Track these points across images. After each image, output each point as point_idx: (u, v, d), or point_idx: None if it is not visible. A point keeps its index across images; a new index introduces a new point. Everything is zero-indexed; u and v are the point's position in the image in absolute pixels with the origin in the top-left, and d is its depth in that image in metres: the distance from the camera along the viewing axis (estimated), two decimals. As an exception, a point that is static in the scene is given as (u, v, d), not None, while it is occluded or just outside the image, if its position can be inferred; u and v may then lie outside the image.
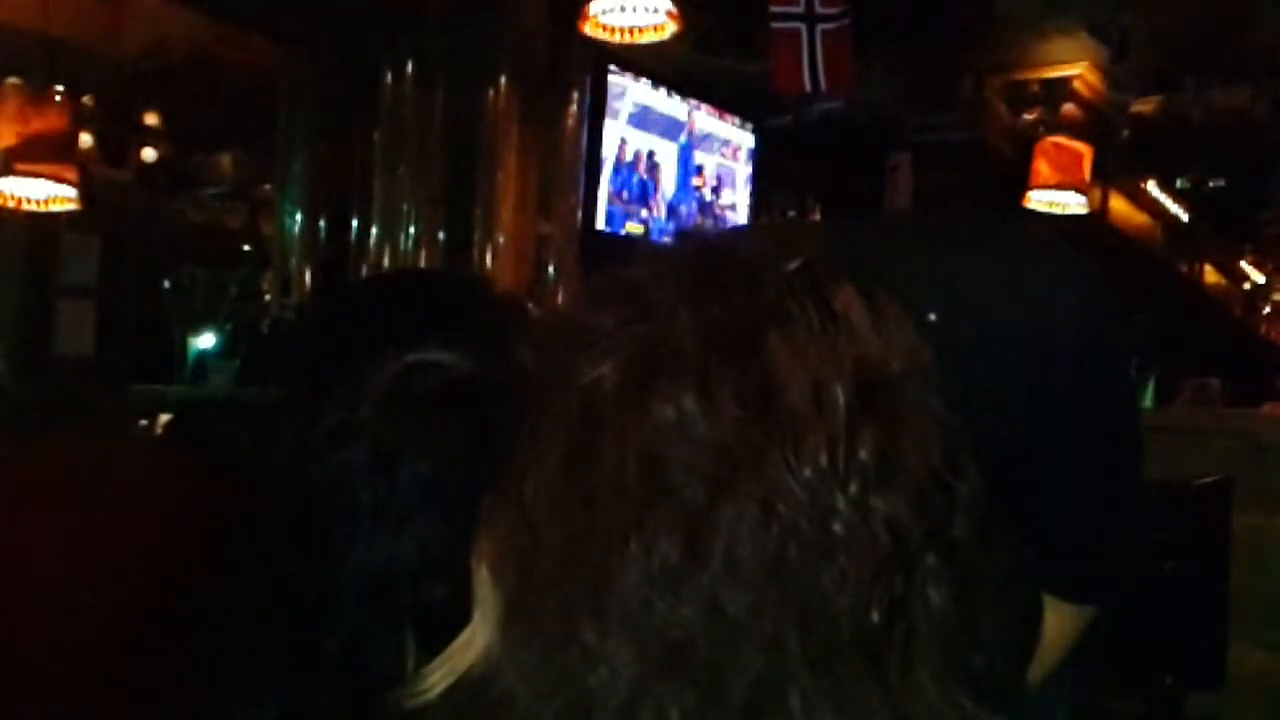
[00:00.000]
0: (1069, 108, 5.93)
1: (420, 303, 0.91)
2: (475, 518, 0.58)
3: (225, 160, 6.92)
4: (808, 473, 0.53)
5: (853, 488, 0.54)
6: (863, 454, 0.55)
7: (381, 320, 0.88)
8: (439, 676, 0.56)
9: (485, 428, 0.59)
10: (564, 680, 0.52)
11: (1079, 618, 1.37)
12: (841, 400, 0.55)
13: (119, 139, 5.44)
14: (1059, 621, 1.34)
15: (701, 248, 0.65)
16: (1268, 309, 11.41)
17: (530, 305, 4.64)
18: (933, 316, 0.98)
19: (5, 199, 4.36)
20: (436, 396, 0.62)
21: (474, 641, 0.56)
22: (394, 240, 4.61)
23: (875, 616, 0.53)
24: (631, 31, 3.89)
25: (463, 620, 0.57)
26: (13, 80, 4.22)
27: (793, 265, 0.60)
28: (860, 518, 0.54)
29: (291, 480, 0.67)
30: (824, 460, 0.54)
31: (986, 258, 1.29)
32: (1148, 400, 5.28)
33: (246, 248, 6.89)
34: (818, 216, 6.35)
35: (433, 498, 0.61)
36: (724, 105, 5.33)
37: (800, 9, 4.30)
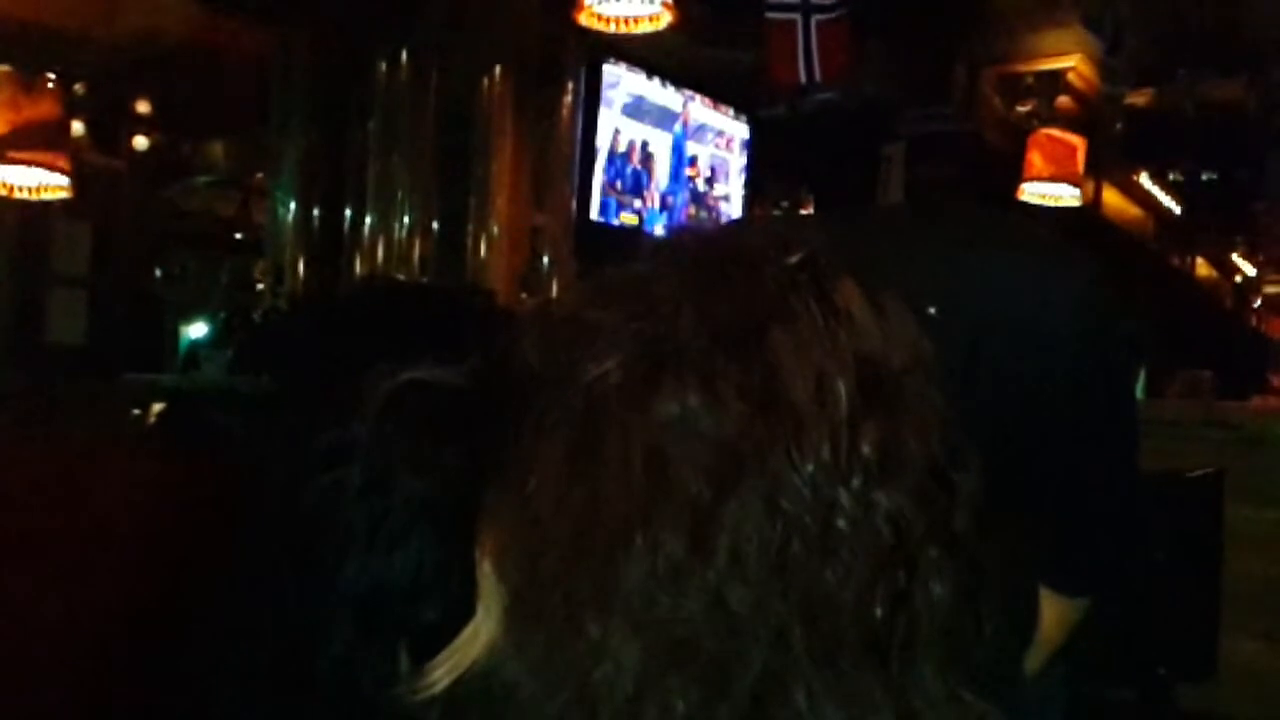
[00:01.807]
0: (1063, 100, 5.94)
1: (415, 317, 0.90)
2: (471, 536, 0.58)
3: (218, 148, 6.90)
4: (811, 468, 0.54)
5: (855, 482, 0.54)
6: (865, 448, 0.55)
7: (375, 336, 0.87)
8: (443, 671, 0.56)
9: (481, 445, 0.59)
10: (569, 674, 0.52)
11: (1074, 610, 1.38)
12: (844, 395, 0.55)
13: (111, 127, 5.42)
14: (1055, 613, 1.35)
15: (703, 242, 0.65)
16: (1259, 302, 11.45)
17: (524, 295, 4.64)
18: (933, 310, 0.98)
19: (-4, 187, 4.34)
20: (431, 415, 0.61)
21: (478, 636, 0.56)
22: (388, 229, 4.59)
23: (878, 611, 0.54)
24: (627, 21, 3.88)
25: None
26: (4, 68, 4.20)
27: (794, 260, 0.60)
28: (863, 512, 0.54)
29: (283, 500, 0.67)
30: (827, 455, 0.54)
31: (985, 252, 1.29)
32: (1139, 393, 5.30)
33: (239, 236, 6.87)
34: (811, 207, 6.35)
35: (427, 517, 0.61)
36: (718, 96, 5.33)
37: (796, 0, 4.29)
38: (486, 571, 0.57)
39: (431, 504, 0.60)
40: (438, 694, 0.56)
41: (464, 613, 0.57)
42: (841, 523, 0.54)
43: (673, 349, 0.55)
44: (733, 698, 0.52)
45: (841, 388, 0.55)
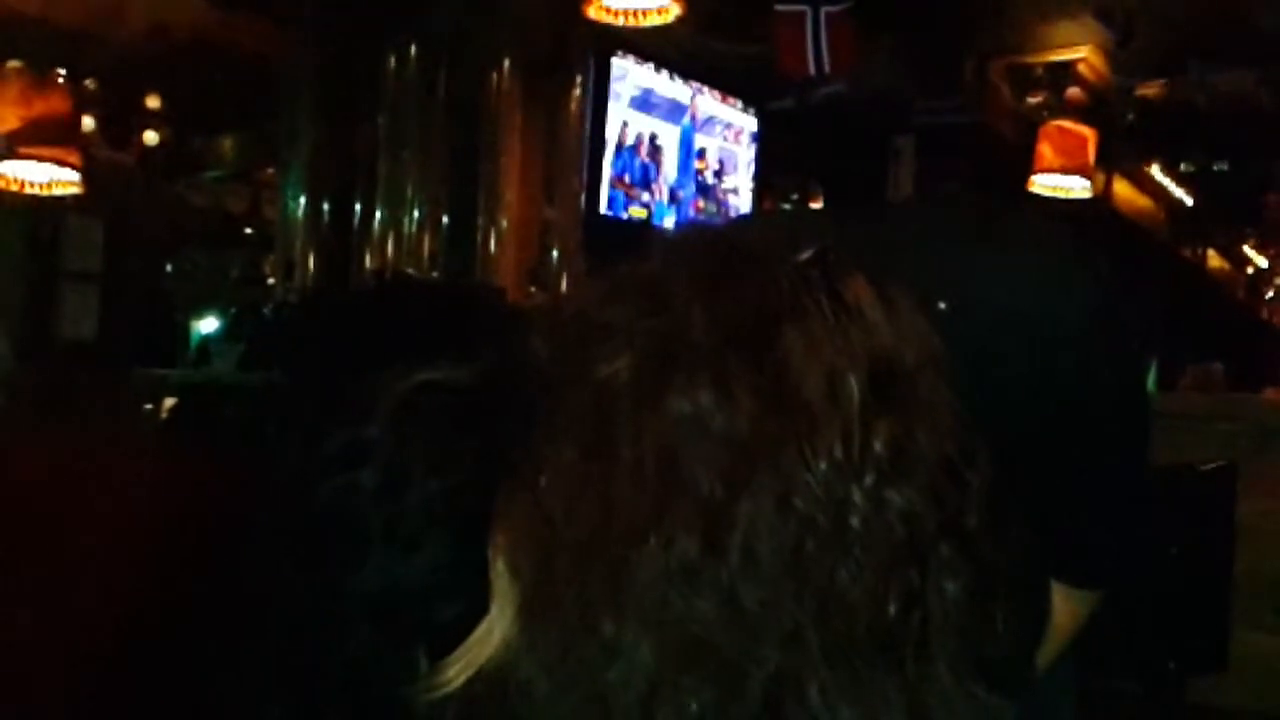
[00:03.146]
0: (1073, 91, 5.91)
1: (424, 313, 0.90)
2: (485, 536, 0.58)
3: (227, 143, 6.91)
4: (823, 466, 0.53)
5: (868, 480, 0.54)
6: (877, 446, 0.55)
7: (384, 331, 0.87)
8: (458, 669, 0.56)
9: (493, 445, 0.58)
10: (582, 673, 0.52)
11: (1085, 603, 1.37)
12: (855, 392, 0.55)
13: (121, 122, 5.43)
14: (1065, 607, 1.34)
15: (713, 240, 0.65)
16: (1270, 293, 11.39)
17: (533, 289, 4.65)
18: (943, 305, 0.98)
19: (8, 182, 4.36)
20: (444, 416, 0.61)
21: (492, 634, 0.56)
22: (397, 224, 4.60)
23: (892, 608, 0.54)
24: (635, 14, 3.88)
25: None
26: (15, 64, 4.22)
27: (804, 257, 0.60)
28: (875, 510, 0.54)
29: (294, 502, 0.67)
30: (839, 453, 0.54)
31: (996, 247, 1.29)
32: (1150, 385, 5.27)
33: (249, 231, 6.88)
34: (820, 200, 6.34)
35: (442, 518, 0.60)
36: (727, 88, 5.31)
37: (805, -8, 4.29)
38: (500, 570, 0.57)
39: (445, 505, 0.60)
40: (452, 691, 0.56)
41: (480, 611, 0.57)
42: (854, 521, 0.54)
43: (684, 347, 0.55)
44: (746, 697, 0.52)
45: (853, 385, 0.55)
